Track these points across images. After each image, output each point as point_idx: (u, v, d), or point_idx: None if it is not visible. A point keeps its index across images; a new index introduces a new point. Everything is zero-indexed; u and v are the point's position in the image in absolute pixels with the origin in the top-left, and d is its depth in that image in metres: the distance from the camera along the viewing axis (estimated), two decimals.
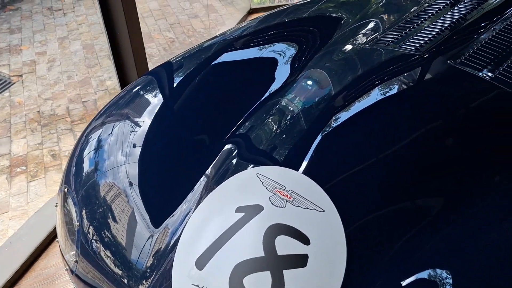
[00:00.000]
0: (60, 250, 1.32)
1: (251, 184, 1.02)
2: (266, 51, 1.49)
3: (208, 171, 1.13)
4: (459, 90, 1.19)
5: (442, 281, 0.86)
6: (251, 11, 3.60)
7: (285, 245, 0.90)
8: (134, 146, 1.26)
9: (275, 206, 0.95)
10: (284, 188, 0.98)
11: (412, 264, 0.89)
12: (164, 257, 1.03)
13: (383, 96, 1.18)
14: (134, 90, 1.44)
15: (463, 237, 0.92)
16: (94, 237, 1.16)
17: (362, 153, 1.06)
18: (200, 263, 0.95)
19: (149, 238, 1.08)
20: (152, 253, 1.06)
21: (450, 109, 1.14)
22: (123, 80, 2.02)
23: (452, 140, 1.10)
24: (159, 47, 4.13)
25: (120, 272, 1.10)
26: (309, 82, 1.30)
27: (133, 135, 1.28)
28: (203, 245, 0.97)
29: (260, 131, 1.18)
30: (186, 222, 1.03)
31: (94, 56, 3.94)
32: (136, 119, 1.33)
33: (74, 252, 1.25)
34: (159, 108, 1.34)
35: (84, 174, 1.26)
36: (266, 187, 0.99)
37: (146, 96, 1.41)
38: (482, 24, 1.41)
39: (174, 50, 4.14)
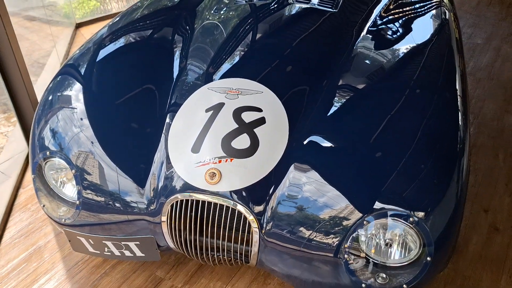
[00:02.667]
0: (49, 216, 1.52)
1: (207, 95, 1.49)
2: (151, 37, 1.87)
3: (164, 130, 1.46)
4: (300, 17, 1.87)
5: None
6: (78, 26, 3.76)
7: (249, 116, 1.41)
8: (82, 119, 1.52)
9: (231, 99, 1.45)
10: (231, 88, 1.48)
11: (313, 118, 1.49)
12: (162, 181, 1.38)
13: (266, 25, 1.80)
14: (55, 88, 1.63)
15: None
16: (93, 180, 1.43)
17: (265, 60, 1.64)
18: (195, 149, 1.38)
19: (141, 173, 1.42)
20: (151, 183, 1.40)
21: (302, 27, 1.80)
22: (17, 104, 2.24)
23: (302, 48, 1.74)
24: None
25: (126, 203, 1.41)
26: (206, 39, 1.80)
27: (77, 115, 1.52)
28: (192, 139, 1.40)
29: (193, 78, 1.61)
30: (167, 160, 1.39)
31: None
32: (75, 104, 1.55)
33: (66, 207, 1.49)
34: (88, 93, 1.58)
35: (58, 138, 1.49)
36: (219, 92, 1.48)
37: (70, 88, 1.62)
38: None
39: None
